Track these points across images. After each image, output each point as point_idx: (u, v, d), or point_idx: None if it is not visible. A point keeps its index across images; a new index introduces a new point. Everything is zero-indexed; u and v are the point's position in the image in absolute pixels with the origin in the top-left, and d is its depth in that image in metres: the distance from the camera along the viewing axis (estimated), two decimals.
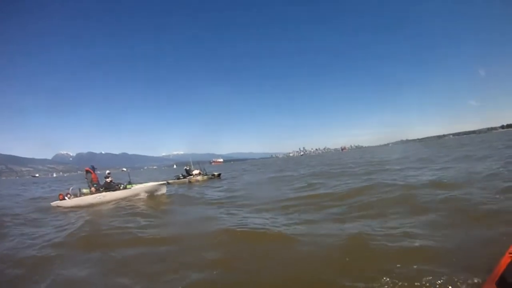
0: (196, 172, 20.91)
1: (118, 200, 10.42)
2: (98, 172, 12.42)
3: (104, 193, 10.84)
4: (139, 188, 10.90)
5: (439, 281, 2.78)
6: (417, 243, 3.83)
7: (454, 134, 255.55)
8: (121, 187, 11.07)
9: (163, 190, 10.89)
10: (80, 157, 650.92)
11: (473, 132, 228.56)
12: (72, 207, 10.61)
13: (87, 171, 11.51)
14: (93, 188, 11.12)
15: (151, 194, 10.90)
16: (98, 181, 11.56)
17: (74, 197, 11.13)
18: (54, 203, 11.17)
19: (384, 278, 2.94)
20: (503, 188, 6.34)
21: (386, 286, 2.83)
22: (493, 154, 15.41)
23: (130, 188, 11.03)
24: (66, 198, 11.08)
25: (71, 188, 12.03)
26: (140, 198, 10.61)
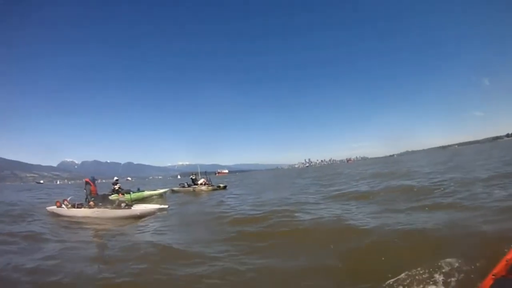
0: (201, 181, 20.27)
1: (115, 219, 9.65)
2: (104, 180, 11.74)
3: (102, 210, 10.05)
4: (139, 210, 10.03)
5: None
6: None
7: (459, 144, 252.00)
8: (123, 205, 10.26)
9: (164, 213, 10.04)
10: (85, 165, 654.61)
11: (478, 142, 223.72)
12: (67, 216, 10.16)
13: (86, 182, 10.84)
14: (91, 202, 10.33)
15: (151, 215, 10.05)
16: (97, 194, 10.86)
17: (71, 207, 10.60)
18: (49, 208, 10.87)
19: None
20: None
21: None
22: None
23: (131, 206, 10.28)
24: (63, 206, 10.63)
25: (69, 198, 11.34)
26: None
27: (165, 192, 16.65)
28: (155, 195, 15.82)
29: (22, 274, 4.38)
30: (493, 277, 2.17)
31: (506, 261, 2.35)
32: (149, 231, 7.54)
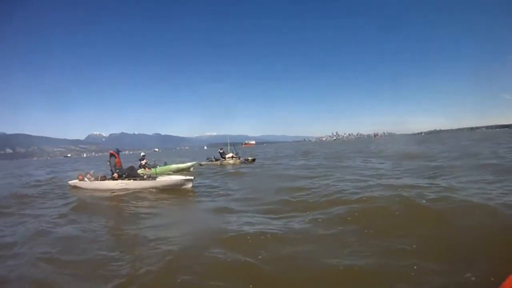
0: (229, 155, 19.30)
1: (140, 190, 9.09)
2: (131, 152, 10.84)
3: (126, 181, 9.46)
4: (164, 181, 9.29)
5: None
6: None
7: (487, 127, 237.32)
8: (145, 177, 9.64)
9: (189, 185, 9.08)
10: (113, 137, 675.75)
11: (507, 126, 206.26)
12: (89, 189, 9.69)
13: (111, 154, 9.91)
14: (115, 174, 9.60)
15: (176, 187, 9.19)
16: (121, 166, 10.02)
17: (94, 180, 9.99)
18: (71, 182, 10.44)
19: None
20: None
21: None
22: None
23: (155, 177, 9.48)
24: (85, 179, 10.06)
25: (92, 171, 10.66)
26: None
27: (193, 166, 15.66)
28: (182, 168, 14.98)
29: None
30: None
31: None
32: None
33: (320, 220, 4.37)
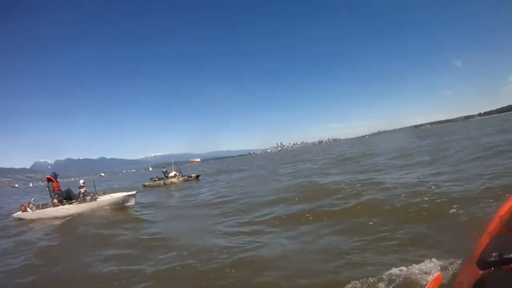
0: (172, 174, 20.58)
1: (81, 213, 9.65)
2: (77, 178, 11.62)
3: (68, 206, 9.96)
4: (105, 200, 10.00)
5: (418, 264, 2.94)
6: None
7: (431, 123, 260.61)
8: (88, 199, 10.17)
9: (132, 201, 9.98)
10: (58, 164, 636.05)
11: (451, 120, 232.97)
12: (33, 220, 9.95)
13: (48, 179, 10.30)
14: (55, 200, 10.11)
15: (119, 206, 9.95)
16: (60, 190, 10.42)
17: (36, 209, 10.37)
18: (16, 215, 10.57)
19: None
20: None
21: None
22: None
23: (95, 199, 10.18)
24: (28, 209, 10.35)
25: (33, 199, 10.99)
26: (106, 209, 9.86)
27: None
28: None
29: None
30: (489, 234, 2.25)
31: (500, 217, 2.43)
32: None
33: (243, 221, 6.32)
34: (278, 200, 7.66)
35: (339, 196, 6.86)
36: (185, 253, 4.49)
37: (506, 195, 3.40)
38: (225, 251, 4.38)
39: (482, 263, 1.86)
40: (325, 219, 5.40)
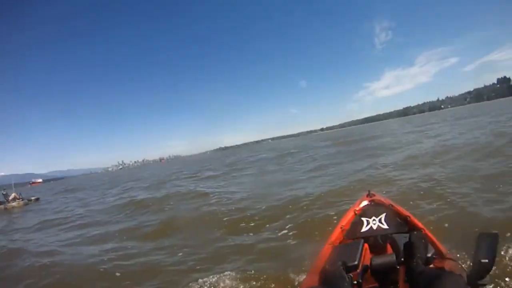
0: (12, 196, 18.63)
1: None
2: None
3: None
4: None
5: None
6: None
7: (272, 139, 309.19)
8: None
9: None
10: None
11: (294, 135, 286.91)
12: None
13: None
14: None
15: None
16: None
17: None
18: None
19: None
20: None
21: None
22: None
23: None
24: None
25: None
26: None
27: None
28: None
29: None
30: (331, 245, 2.26)
31: (341, 228, 2.44)
32: None
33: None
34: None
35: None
36: None
37: (347, 208, 3.13)
38: None
39: (323, 275, 1.72)
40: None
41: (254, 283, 2.97)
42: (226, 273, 3.15)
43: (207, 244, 4.49)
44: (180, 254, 4.28)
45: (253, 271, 3.21)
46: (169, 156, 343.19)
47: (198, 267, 3.69)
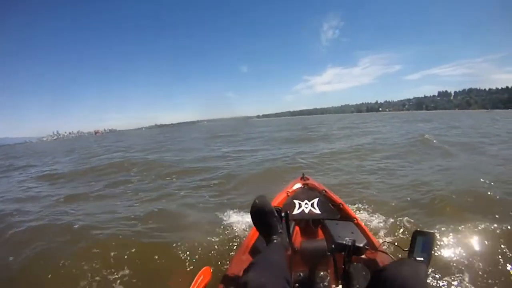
0: None
1: None
2: None
3: None
4: None
5: None
6: None
7: (208, 121, 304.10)
8: None
9: None
10: None
11: (231, 119, 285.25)
12: None
13: None
14: None
15: None
16: None
17: None
18: None
19: None
20: None
21: None
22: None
23: None
24: None
25: None
26: None
27: None
28: None
29: None
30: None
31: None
32: None
33: None
34: None
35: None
36: None
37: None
38: None
39: (253, 252, 1.91)
40: None
41: None
42: None
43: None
44: None
45: None
46: (105, 130, 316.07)
47: None
